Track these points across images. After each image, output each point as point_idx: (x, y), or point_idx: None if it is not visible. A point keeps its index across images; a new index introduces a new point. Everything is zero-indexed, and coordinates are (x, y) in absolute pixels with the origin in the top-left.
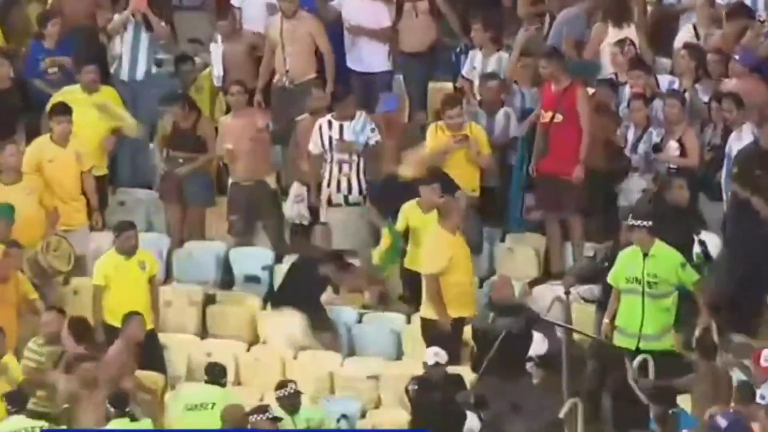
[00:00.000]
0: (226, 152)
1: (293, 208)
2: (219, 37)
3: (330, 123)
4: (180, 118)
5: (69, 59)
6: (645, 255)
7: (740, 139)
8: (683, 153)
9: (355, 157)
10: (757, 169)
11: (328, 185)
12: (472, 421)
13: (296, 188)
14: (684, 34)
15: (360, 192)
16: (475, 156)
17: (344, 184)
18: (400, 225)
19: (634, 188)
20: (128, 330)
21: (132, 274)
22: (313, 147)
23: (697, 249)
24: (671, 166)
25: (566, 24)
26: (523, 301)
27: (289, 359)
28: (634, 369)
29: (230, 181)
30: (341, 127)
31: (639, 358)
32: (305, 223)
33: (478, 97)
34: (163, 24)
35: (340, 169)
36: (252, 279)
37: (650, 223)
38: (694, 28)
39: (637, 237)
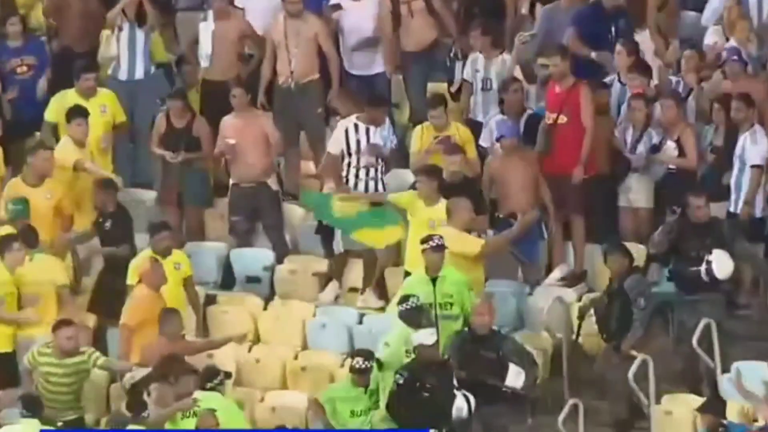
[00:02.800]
0: (228, 147)
1: None
2: (210, 15)
3: (356, 126)
4: (176, 115)
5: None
6: (434, 279)
7: (755, 141)
8: (681, 153)
9: (381, 161)
10: None
11: (355, 187)
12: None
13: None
14: (712, 36)
15: None
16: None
17: (371, 187)
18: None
19: (634, 188)
20: None
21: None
22: (334, 148)
23: (703, 269)
24: (670, 167)
25: (578, 22)
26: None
27: (290, 359)
28: (633, 370)
29: (231, 182)
30: (368, 131)
31: (638, 359)
32: None
33: (478, 101)
34: (155, 11)
35: (367, 173)
36: (253, 280)
37: (442, 241)
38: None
39: (430, 258)
